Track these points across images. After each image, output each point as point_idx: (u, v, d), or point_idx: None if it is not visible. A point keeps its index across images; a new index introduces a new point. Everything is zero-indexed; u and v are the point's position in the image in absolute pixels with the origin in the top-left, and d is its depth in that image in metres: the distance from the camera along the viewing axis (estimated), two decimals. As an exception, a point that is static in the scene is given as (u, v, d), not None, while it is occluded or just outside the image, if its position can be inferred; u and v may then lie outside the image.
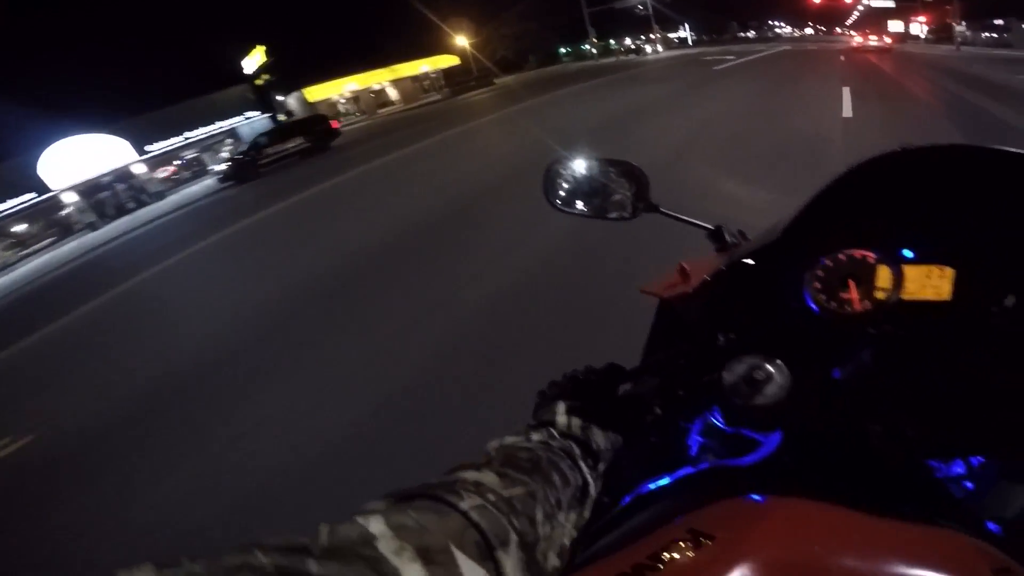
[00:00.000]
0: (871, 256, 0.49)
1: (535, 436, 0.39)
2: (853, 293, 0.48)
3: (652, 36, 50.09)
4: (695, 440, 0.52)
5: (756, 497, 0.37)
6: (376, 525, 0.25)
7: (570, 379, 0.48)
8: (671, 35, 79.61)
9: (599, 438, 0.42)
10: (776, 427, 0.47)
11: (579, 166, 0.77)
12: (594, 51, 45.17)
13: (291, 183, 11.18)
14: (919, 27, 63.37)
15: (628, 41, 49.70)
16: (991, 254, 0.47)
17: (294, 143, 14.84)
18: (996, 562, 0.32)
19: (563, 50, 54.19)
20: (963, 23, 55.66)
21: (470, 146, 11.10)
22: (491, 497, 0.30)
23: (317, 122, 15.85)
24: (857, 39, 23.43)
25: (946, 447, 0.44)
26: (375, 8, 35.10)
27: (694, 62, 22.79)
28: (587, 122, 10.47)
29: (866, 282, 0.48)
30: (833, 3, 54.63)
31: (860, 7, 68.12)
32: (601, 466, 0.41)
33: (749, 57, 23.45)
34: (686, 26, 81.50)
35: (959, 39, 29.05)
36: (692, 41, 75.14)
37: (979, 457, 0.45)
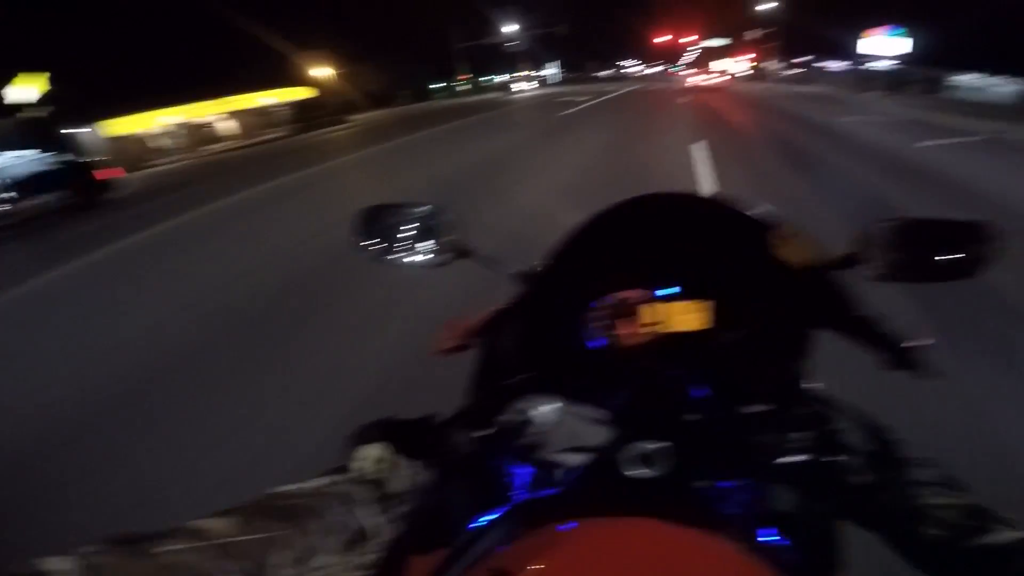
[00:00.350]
0: (638, 295, 0.55)
1: (314, 482, 0.39)
2: (628, 328, 0.54)
3: (522, 73, 51.52)
4: (513, 475, 0.53)
5: (569, 525, 0.39)
6: (67, 564, 0.26)
7: (378, 423, 0.47)
8: (541, 72, 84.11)
9: (402, 481, 0.42)
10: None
11: (391, 212, 0.76)
12: (466, 87, 44.43)
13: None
14: (737, 65, 75.10)
15: (499, 78, 49.88)
16: (735, 288, 0.56)
17: (49, 196, 10.31)
18: (759, 568, 0.36)
19: (435, 86, 53.26)
20: (776, 60, 67.11)
21: (259, 223, 6.68)
22: (200, 543, 0.30)
23: (76, 171, 11.25)
24: (694, 78, 25.13)
25: (712, 468, 0.46)
26: (215, 33, 30.17)
27: (553, 103, 22.21)
28: (431, 179, 8.27)
29: (637, 318, 0.54)
30: (670, 45, 61.26)
31: (691, 48, 78.41)
32: (401, 508, 0.41)
33: (603, 98, 23.86)
34: (557, 64, 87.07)
35: (773, 76, 33.35)
36: (559, 79, 79.91)
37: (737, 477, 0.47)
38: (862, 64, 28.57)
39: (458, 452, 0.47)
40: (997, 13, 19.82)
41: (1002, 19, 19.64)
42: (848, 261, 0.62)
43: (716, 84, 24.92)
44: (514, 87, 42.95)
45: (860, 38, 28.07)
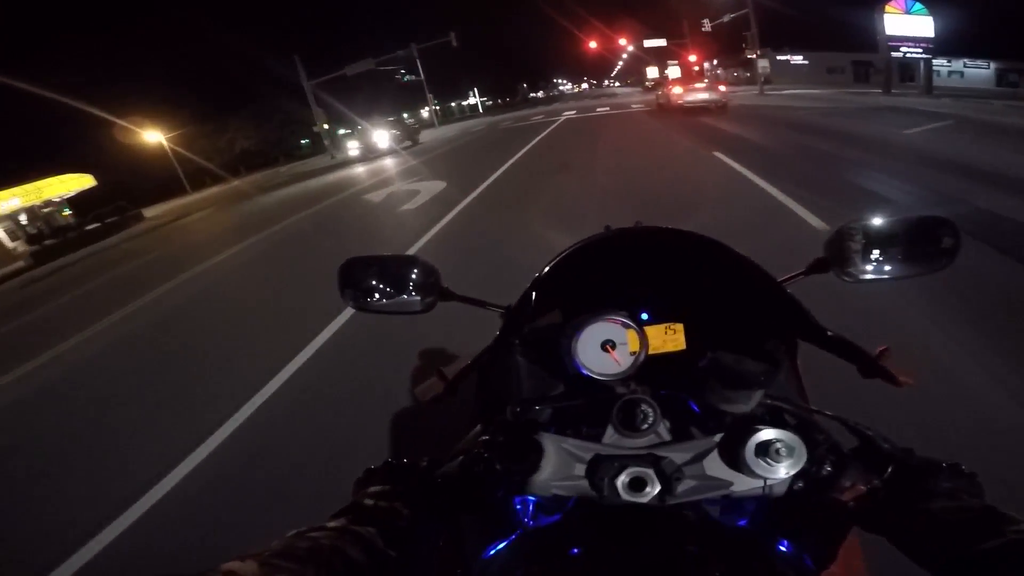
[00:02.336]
0: (620, 321, 0.56)
1: (332, 524, 0.39)
2: (612, 355, 0.55)
3: (424, 113, 40.41)
4: (518, 505, 0.55)
5: (573, 551, 0.40)
6: None
7: (384, 467, 0.48)
8: (464, 102, 74.32)
9: (409, 520, 0.42)
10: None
11: (372, 263, 0.77)
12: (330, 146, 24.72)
13: None
14: (678, 71, 66.54)
15: (376, 134, 20.14)
16: (703, 310, 0.60)
17: None
18: None
19: (306, 141, 41.07)
20: (715, 62, 58.19)
21: None
22: None
23: None
24: (676, 90, 14.35)
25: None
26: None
27: (448, 200, 12.19)
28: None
29: (621, 344, 0.55)
30: (604, 52, 51.10)
31: (625, 55, 69.46)
32: (411, 546, 0.41)
33: (537, 138, 13.31)
34: (474, 91, 77.21)
35: (762, 79, 23.04)
36: (481, 108, 69.89)
37: None
38: (894, 52, 18.58)
39: (462, 490, 0.46)
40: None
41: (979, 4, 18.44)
42: (820, 266, 0.66)
43: (713, 101, 13.95)
44: (351, 149, 19.90)
45: (883, 12, 18.03)
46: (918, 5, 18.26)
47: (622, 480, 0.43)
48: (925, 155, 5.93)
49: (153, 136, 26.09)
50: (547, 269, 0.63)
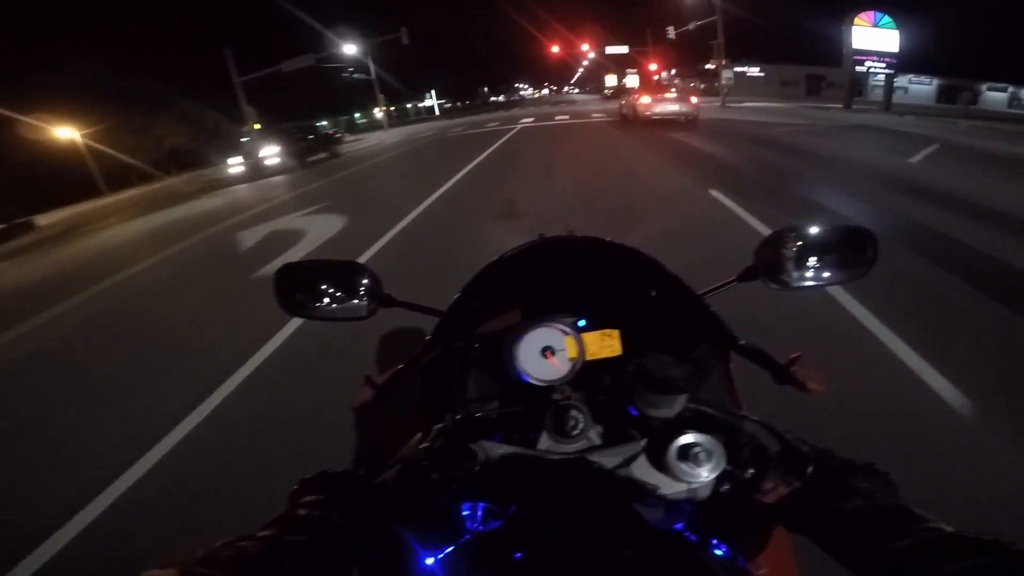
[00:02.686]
0: (557, 329, 0.56)
1: (261, 533, 0.38)
2: (552, 361, 0.55)
3: (378, 111, 37.60)
4: (462, 511, 0.54)
5: (517, 556, 0.41)
6: None
7: (320, 476, 0.46)
8: (421, 103, 71.31)
9: (345, 529, 0.41)
10: (483, 497, 0.50)
11: (310, 268, 0.74)
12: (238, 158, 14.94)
13: None
14: (636, 79, 66.27)
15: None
16: (636, 317, 0.61)
17: None
18: None
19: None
20: (673, 71, 58.22)
21: None
22: None
23: None
24: (644, 99, 12.71)
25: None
26: None
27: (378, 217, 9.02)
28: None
29: (560, 351, 0.56)
30: (566, 57, 50.05)
31: (586, 61, 68.97)
32: (347, 555, 0.41)
33: (484, 154, 11.37)
34: (431, 92, 74.43)
35: (725, 91, 22.11)
36: (438, 110, 66.86)
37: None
38: (859, 66, 18.03)
39: (400, 498, 0.46)
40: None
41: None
42: (749, 274, 0.67)
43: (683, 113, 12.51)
44: (232, 167, 14.69)
45: (851, 25, 17.43)
46: (886, 19, 17.84)
47: (568, 481, 0.46)
48: (960, 196, 4.68)
49: (66, 132, 22.05)
50: (479, 275, 0.64)
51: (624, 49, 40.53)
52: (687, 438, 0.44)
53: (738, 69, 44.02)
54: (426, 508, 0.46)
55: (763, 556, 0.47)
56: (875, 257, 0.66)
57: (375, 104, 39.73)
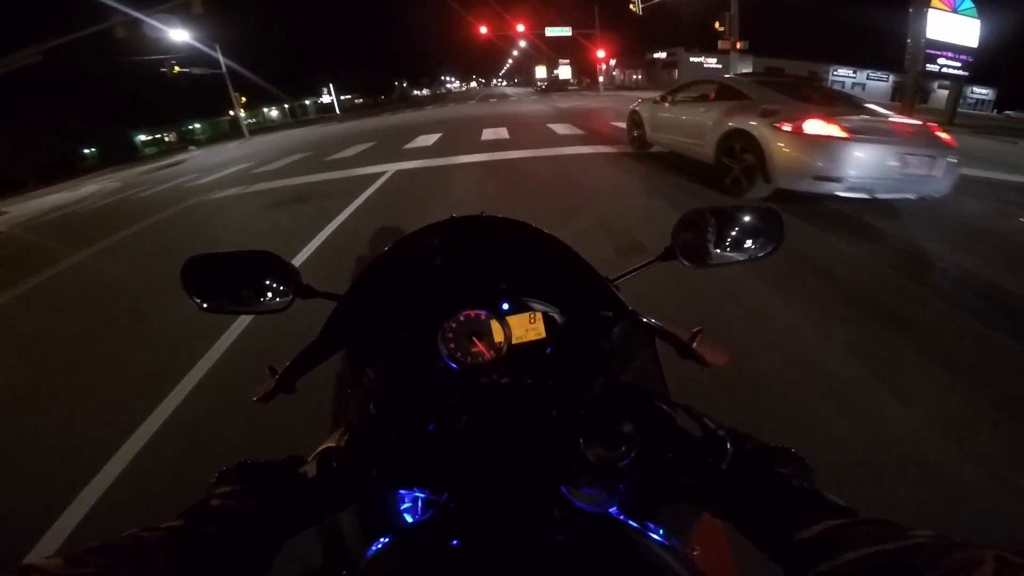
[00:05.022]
0: (483, 314, 0.56)
1: (168, 524, 0.36)
2: (479, 346, 0.55)
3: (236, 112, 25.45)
4: (394, 501, 0.53)
5: (453, 543, 0.40)
6: None
7: (237, 466, 0.44)
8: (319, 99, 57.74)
9: (261, 520, 0.40)
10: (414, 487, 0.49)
11: (219, 260, 0.67)
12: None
13: None
14: (568, 71, 57.01)
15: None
16: (555, 300, 0.60)
17: None
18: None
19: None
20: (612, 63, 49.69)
21: None
22: None
23: None
24: (816, 126, 3.55)
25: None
26: None
27: None
28: None
29: (486, 335, 0.55)
30: (496, 42, 39.72)
31: (516, 51, 59.31)
32: (263, 545, 0.39)
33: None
34: (330, 87, 61.31)
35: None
36: (338, 109, 53.41)
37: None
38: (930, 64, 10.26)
39: (321, 489, 0.44)
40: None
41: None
42: (668, 254, 0.67)
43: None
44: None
45: (926, 6, 9.98)
46: (967, 3, 10.57)
47: (500, 468, 0.46)
48: None
49: None
50: (387, 254, 0.60)
51: (566, 31, 31.19)
52: (606, 419, 0.44)
53: (694, 59, 36.28)
54: (350, 498, 0.45)
55: (696, 537, 0.47)
56: (782, 235, 0.67)
57: (231, 105, 27.56)
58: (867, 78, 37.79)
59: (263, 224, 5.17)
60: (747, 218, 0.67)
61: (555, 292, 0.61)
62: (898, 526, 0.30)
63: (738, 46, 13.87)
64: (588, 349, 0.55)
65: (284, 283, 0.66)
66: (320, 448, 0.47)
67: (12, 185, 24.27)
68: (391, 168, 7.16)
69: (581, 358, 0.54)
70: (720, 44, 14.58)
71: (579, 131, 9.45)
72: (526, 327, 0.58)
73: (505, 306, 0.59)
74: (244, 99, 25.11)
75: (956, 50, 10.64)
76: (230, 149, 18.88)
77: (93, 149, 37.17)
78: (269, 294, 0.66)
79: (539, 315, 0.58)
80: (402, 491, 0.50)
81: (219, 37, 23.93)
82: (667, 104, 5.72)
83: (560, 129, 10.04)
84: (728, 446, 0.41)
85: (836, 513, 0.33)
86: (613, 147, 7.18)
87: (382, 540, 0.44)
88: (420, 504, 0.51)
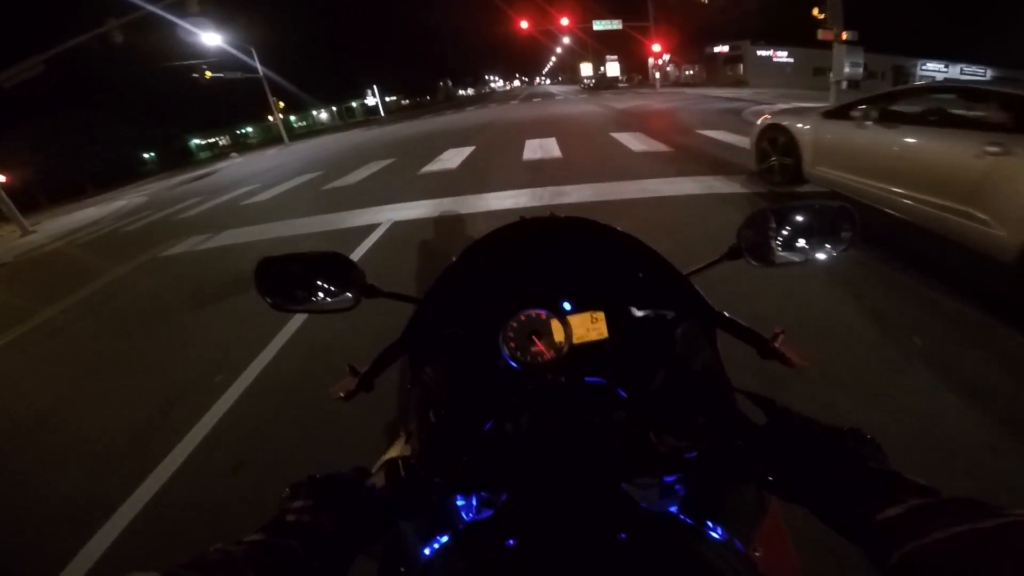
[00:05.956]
0: (543, 313, 0.55)
1: (251, 538, 0.37)
2: (539, 346, 0.53)
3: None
4: (454, 502, 0.53)
5: (509, 543, 0.40)
6: None
7: (308, 480, 0.45)
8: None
9: (334, 531, 0.41)
10: (477, 489, 0.50)
11: (291, 261, 0.69)
12: None
13: None
14: (616, 67, 52.33)
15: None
16: (621, 298, 0.59)
17: None
18: None
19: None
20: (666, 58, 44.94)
21: None
22: None
23: None
24: None
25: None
26: None
27: None
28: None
29: (547, 335, 0.54)
30: (539, 37, 37.24)
31: (560, 48, 56.17)
32: (337, 556, 0.40)
33: None
34: (374, 89, 60.49)
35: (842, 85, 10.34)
36: (383, 110, 52.05)
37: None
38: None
39: (390, 499, 0.45)
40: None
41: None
42: (733, 253, 0.66)
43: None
44: None
45: None
46: None
47: (557, 467, 0.45)
48: None
49: None
50: (459, 260, 0.61)
51: (616, 24, 28.15)
52: (676, 410, 0.43)
53: (762, 53, 32.07)
54: (418, 506, 0.45)
55: (759, 537, 0.46)
56: (855, 233, 0.64)
57: (269, 111, 26.66)
58: (960, 72, 31.89)
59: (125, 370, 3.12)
60: (815, 216, 0.65)
61: (624, 289, 0.60)
62: (987, 505, 0.28)
63: (844, 36, 10.70)
64: (650, 345, 0.54)
65: (351, 283, 0.66)
66: (385, 458, 0.47)
67: (72, 191, 24.65)
68: (388, 217, 4.89)
69: (643, 354, 0.53)
70: (820, 34, 11.42)
71: (661, 146, 6.85)
72: (588, 326, 0.56)
73: (567, 305, 0.58)
74: (282, 104, 24.02)
75: None
76: (266, 158, 17.62)
77: (152, 154, 38.04)
78: (337, 293, 0.67)
79: (600, 315, 0.56)
80: (459, 493, 0.50)
81: (256, 41, 22.96)
82: (867, 123, 3.09)
83: (631, 142, 7.47)
84: (796, 430, 0.41)
85: (918, 492, 0.32)
86: (730, 179, 4.60)
87: (440, 539, 0.45)
88: (477, 503, 0.51)
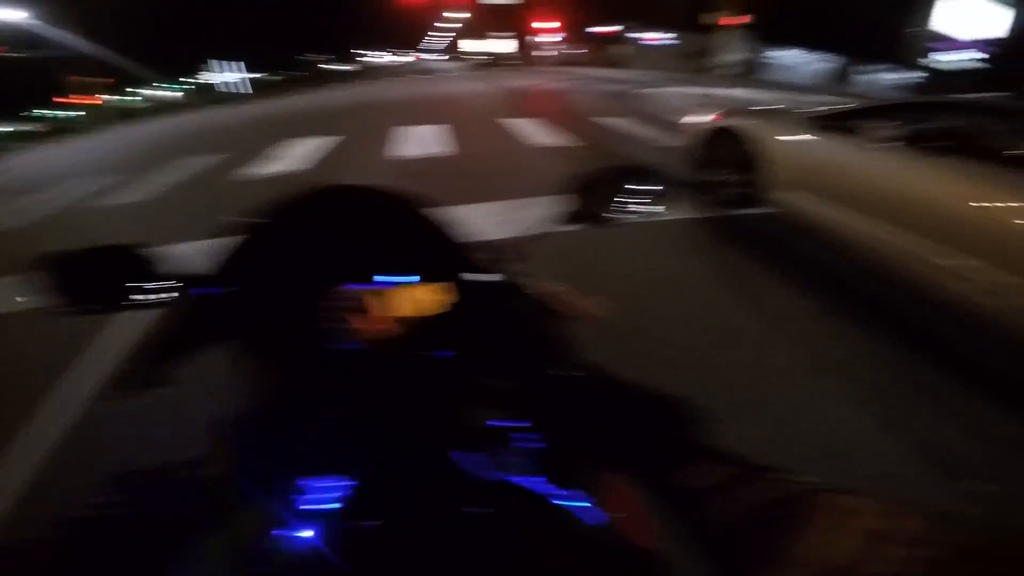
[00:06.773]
0: (362, 288, 0.51)
1: (57, 534, 0.37)
2: (361, 323, 0.50)
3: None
4: (308, 491, 0.50)
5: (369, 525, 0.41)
6: None
7: (130, 474, 0.43)
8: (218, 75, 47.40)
9: (162, 529, 0.39)
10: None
11: (73, 259, 0.57)
12: None
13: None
14: (511, 45, 50.37)
15: None
16: (432, 268, 0.54)
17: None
18: None
19: None
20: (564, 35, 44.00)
21: None
22: None
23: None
24: None
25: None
26: None
27: None
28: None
29: (369, 311, 0.50)
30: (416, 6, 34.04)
31: (458, 23, 52.73)
32: (163, 557, 0.39)
33: None
34: (234, 64, 51.56)
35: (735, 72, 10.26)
36: (250, 86, 44.44)
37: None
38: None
39: (221, 494, 0.41)
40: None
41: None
42: (561, 218, 0.68)
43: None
44: None
45: None
46: None
47: (397, 448, 0.44)
48: None
49: None
50: (247, 229, 0.54)
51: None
52: (494, 382, 0.44)
53: (640, 36, 32.68)
54: (249, 497, 0.43)
55: (611, 501, 0.46)
56: (666, 187, 0.70)
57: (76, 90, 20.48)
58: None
59: None
60: (629, 175, 0.70)
61: (436, 261, 0.57)
62: (787, 471, 0.31)
63: (742, 21, 10.46)
64: (481, 317, 0.53)
65: (169, 275, 0.60)
66: (209, 450, 0.45)
67: None
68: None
69: (475, 327, 0.52)
70: (701, 18, 11.13)
71: (567, 138, 5.70)
72: (410, 300, 0.54)
73: (387, 279, 0.54)
74: (112, 81, 18.71)
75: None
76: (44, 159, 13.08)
77: None
78: (155, 285, 0.60)
79: (436, 286, 0.54)
80: (302, 481, 0.47)
81: (68, 17, 17.26)
82: (870, 146, 2.14)
83: (531, 131, 6.22)
84: (617, 397, 0.41)
85: (726, 460, 0.34)
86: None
87: (286, 531, 0.43)
88: (320, 492, 0.48)
